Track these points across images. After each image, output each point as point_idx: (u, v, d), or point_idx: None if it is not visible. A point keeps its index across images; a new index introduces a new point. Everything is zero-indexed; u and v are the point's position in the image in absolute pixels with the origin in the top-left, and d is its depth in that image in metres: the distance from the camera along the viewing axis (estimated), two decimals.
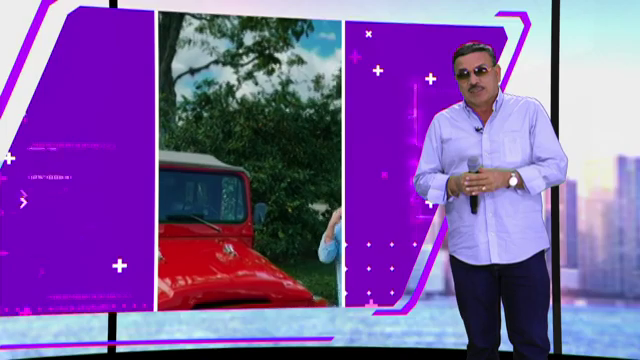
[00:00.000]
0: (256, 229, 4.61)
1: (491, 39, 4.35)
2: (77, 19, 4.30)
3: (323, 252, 4.66)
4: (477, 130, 3.02)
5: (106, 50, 4.33)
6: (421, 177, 3.16)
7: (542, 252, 3.04)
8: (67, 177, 4.28)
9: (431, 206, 4.65)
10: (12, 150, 4.22)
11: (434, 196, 3.08)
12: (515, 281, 2.99)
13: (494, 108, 3.03)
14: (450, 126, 3.09)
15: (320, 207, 4.69)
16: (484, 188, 2.90)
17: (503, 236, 2.97)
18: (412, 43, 4.64)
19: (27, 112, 4.23)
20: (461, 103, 3.11)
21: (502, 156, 2.98)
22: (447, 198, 3.04)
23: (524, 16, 4.71)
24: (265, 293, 4.62)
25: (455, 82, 3.04)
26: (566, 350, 4.82)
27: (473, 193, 2.93)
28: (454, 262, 3.12)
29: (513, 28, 4.70)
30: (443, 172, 3.12)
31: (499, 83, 3.07)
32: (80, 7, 4.31)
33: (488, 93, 3.00)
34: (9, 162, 4.22)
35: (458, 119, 3.09)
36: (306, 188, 4.68)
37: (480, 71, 2.98)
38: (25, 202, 4.23)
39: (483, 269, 3.01)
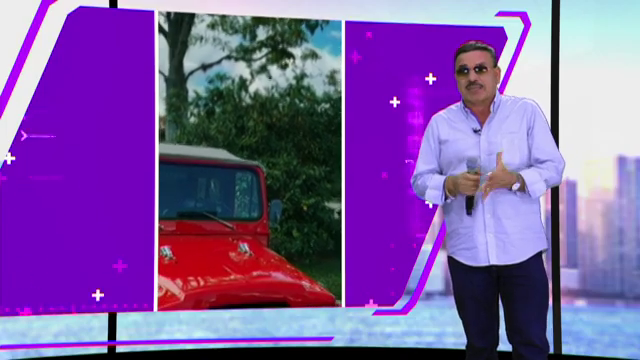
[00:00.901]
0: (270, 227, 4.54)
1: (491, 39, 4.33)
2: (77, 19, 4.30)
3: None
4: (475, 131, 3.02)
5: (106, 50, 4.33)
6: (419, 177, 3.15)
7: (540, 253, 3.05)
8: (67, 177, 4.28)
9: (431, 206, 4.64)
10: (12, 150, 4.22)
11: (432, 196, 3.07)
12: (514, 281, 2.99)
13: (492, 109, 3.03)
14: (448, 127, 3.09)
15: (336, 205, 4.63)
16: (489, 189, 2.90)
17: (502, 237, 2.97)
18: (412, 43, 4.64)
19: (27, 112, 4.23)
20: (459, 104, 3.11)
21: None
22: (445, 199, 3.04)
23: (524, 16, 4.70)
24: (284, 296, 4.51)
25: (454, 82, 3.05)
26: (566, 350, 4.82)
27: (483, 191, 2.91)
28: (453, 263, 3.12)
29: (513, 28, 4.69)
30: (441, 173, 3.12)
31: (498, 85, 3.07)
32: (80, 7, 4.31)
33: (486, 92, 3.00)
34: (9, 162, 4.22)
35: (456, 120, 3.09)
36: (322, 185, 4.63)
37: (480, 69, 2.99)
38: (25, 202, 4.23)
39: (482, 270, 3.01)
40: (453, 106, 3.14)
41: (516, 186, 2.92)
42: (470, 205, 2.96)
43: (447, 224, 3.14)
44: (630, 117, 4.99)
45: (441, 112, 3.17)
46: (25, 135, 4.22)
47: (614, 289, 5.85)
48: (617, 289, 5.84)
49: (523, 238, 2.98)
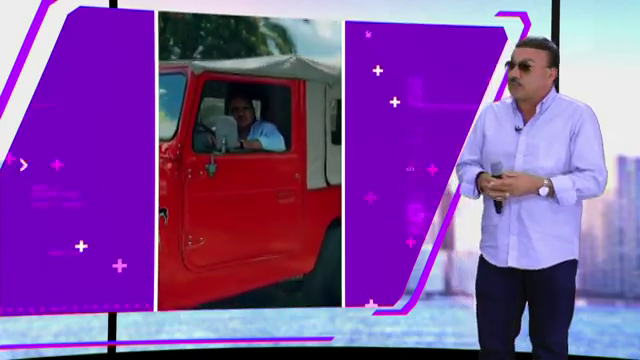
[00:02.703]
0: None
1: (491, 39, 4.35)
2: (77, 19, 4.30)
3: None
4: (517, 130, 2.97)
5: (106, 50, 4.33)
6: (461, 167, 3.16)
7: (571, 262, 2.98)
8: (67, 177, 4.28)
9: (431, 207, 4.65)
10: (12, 150, 4.22)
11: (465, 189, 3.08)
12: (538, 286, 2.96)
13: (538, 109, 2.96)
14: (494, 121, 3.05)
15: None
16: (507, 194, 2.88)
17: (524, 241, 2.93)
18: (412, 43, 4.64)
19: (27, 112, 4.23)
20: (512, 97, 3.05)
21: (535, 160, 2.92)
22: (479, 193, 3.04)
23: (524, 16, 4.70)
24: None
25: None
26: None
27: (497, 199, 2.91)
28: (480, 261, 3.11)
29: (513, 28, 4.69)
30: (482, 165, 3.10)
31: (551, 86, 2.99)
32: (80, 7, 4.31)
33: (525, 91, 2.94)
34: (9, 162, 4.22)
35: (503, 115, 3.04)
36: None
37: (523, 66, 2.93)
38: (25, 201, 4.23)
39: (505, 273, 2.99)
40: (508, 99, 3.07)
41: (543, 191, 2.86)
42: (499, 205, 2.95)
43: (481, 218, 3.12)
44: (630, 117, 4.99)
45: (494, 103, 3.15)
46: (25, 139, 4.21)
47: (614, 289, 5.85)
48: (617, 289, 5.84)
49: (548, 245, 2.92)
